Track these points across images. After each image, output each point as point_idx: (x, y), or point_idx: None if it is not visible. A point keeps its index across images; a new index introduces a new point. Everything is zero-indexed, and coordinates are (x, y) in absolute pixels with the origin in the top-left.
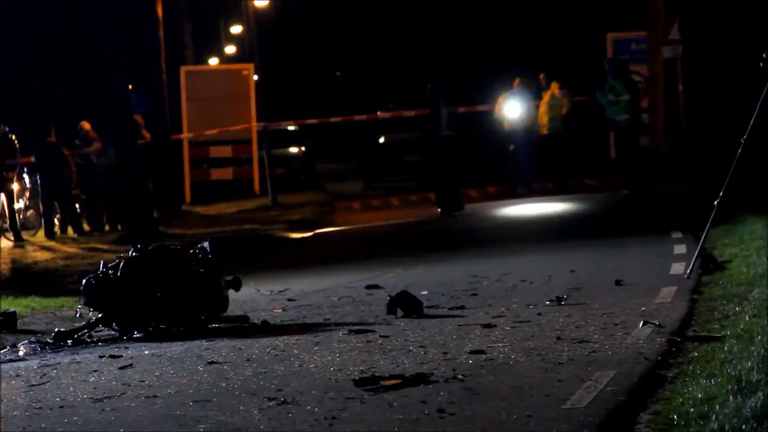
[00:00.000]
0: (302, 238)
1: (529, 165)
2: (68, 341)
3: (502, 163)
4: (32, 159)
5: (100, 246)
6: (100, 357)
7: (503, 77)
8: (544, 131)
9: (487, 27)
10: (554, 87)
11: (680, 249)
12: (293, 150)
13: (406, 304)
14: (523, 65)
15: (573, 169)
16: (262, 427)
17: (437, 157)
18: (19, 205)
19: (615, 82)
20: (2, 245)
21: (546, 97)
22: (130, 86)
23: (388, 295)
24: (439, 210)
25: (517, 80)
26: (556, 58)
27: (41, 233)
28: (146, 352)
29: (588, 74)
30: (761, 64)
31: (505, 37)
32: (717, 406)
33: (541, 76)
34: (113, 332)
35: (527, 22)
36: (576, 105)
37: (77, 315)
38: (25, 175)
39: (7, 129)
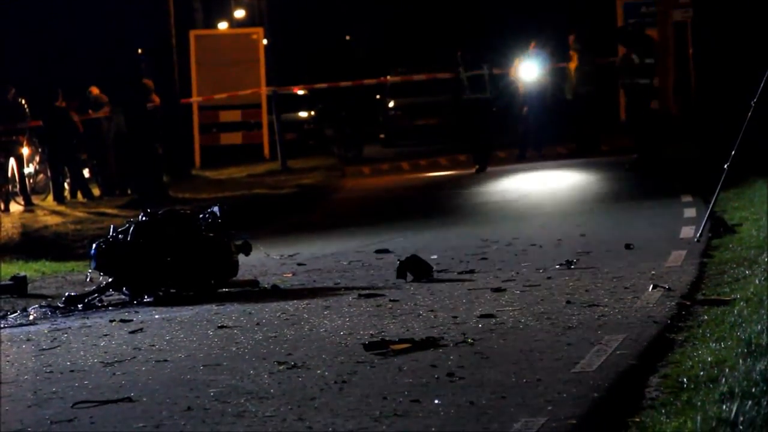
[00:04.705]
0: (312, 202)
1: (541, 128)
2: (78, 305)
3: (512, 125)
4: (41, 123)
5: (110, 210)
6: (111, 321)
7: (513, 40)
8: (580, 91)
9: None
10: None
11: (690, 212)
12: (303, 114)
13: (415, 269)
14: (533, 28)
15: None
16: (272, 390)
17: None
18: (29, 169)
19: (639, 46)
20: (12, 210)
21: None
22: (139, 50)
23: (398, 260)
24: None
25: (533, 43)
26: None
27: (51, 198)
28: (156, 316)
29: (597, 38)
30: None
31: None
32: (727, 370)
33: (571, 37)
34: (123, 297)
35: None
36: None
37: (87, 279)
38: (35, 140)
39: (15, 92)
